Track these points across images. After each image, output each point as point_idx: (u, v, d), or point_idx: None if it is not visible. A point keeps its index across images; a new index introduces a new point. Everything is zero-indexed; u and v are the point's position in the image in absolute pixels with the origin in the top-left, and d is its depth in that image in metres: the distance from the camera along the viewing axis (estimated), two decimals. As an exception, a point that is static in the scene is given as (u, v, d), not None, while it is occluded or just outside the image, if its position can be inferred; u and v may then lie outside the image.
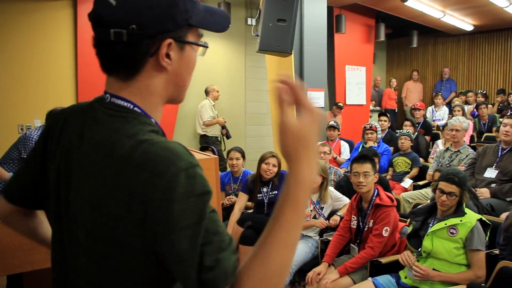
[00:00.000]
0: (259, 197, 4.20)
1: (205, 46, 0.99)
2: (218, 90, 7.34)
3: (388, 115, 7.40)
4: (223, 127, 7.15)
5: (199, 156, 2.01)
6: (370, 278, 2.95)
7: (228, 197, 4.57)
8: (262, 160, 4.22)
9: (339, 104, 8.15)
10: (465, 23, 9.18)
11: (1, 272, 1.69)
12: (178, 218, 0.78)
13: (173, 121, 7.29)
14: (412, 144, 5.71)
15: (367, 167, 3.29)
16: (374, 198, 3.27)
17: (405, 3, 7.38)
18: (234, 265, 0.83)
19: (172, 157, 0.81)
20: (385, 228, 3.13)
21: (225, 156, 4.81)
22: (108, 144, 0.86)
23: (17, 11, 5.87)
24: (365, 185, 3.26)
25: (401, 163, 5.62)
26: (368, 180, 3.27)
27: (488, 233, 2.92)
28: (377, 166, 4.47)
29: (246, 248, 3.93)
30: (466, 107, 8.60)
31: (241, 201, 4.24)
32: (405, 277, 2.92)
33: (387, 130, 6.96)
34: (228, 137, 7.16)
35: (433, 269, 2.80)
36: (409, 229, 3.04)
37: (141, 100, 0.92)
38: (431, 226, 2.92)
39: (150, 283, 0.88)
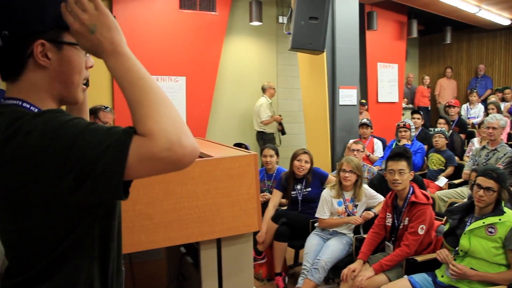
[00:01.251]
0: (293, 194, 4.22)
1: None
2: (274, 88, 7.54)
3: (421, 113, 7.30)
4: (280, 123, 7.36)
5: (237, 153, 2.06)
6: (406, 276, 2.94)
7: (262, 194, 4.61)
8: (294, 157, 4.25)
9: (362, 101, 8.08)
10: (502, 18, 8.92)
11: None
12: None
13: (206, 119, 7.39)
14: (447, 142, 5.62)
15: (402, 164, 3.27)
16: (409, 195, 3.26)
17: (439, -1, 7.26)
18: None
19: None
20: (420, 226, 3.11)
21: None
22: None
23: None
24: (400, 183, 3.25)
25: (435, 160, 5.54)
26: (403, 177, 3.25)
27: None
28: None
29: (281, 244, 3.97)
30: (502, 104, 8.39)
31: (275, 198, 4.28)
32: (442, 276, 2.89)
33: (420, 128, 6.87)
34: (283, 133, 7.37)
35: (471, 268, 2.77)
36: (446, 227, 3.01)
37: (29, 96, 1.03)
38: (469, 225, 2.89)
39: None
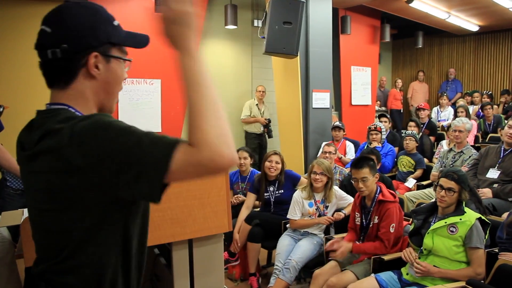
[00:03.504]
0: (266, 195, 4.31)
1: (128, 60, 1.25)
2: (263, 91, 7.74)
3: (388, 116, 7.50)
4: (265, 126, 7.49)
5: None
6: (373, 275, 3.05)
7: (235, 196, 4.69)
8: (265, 158, 4.35)
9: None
10: (471, 24, 9.22)
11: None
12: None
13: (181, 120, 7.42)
14: (417, 144, 5.80)
15: (364, 172, 3.39)
16: (377, 195, 3.39)
17: (410, 4, 7.45)
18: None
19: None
20: (391, 225, 3.24)
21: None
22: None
23: (22, 15, 5.99)
24: (364, 189, 3.38)
25: (405, 162, 5.70)
26: (367, 184, 3.38)
27: (488, 232, 3.01)
28: (377, 165, 4.57)
29: (254, 245, 4.05)
30: (471, 108, 8.65)
31: (249, 201, 4.37)
32: (407, 274, 3.02)
33: (388, 130, 7.04)
34: (269, 136, 7.46)
35: (434, 265, 2.90)
36: (411, 227, 3.14)
37: (76, 103, 1.15)
38: (432, 225, 3.02)
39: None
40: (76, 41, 1.12)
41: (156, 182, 0.98)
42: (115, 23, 1.22)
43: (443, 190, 2.98)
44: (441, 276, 2.86)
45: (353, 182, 3.50)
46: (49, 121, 1.08)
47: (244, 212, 4.27)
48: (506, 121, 7.13)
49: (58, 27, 1.12)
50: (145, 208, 1.22)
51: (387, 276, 3.02)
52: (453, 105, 9.50)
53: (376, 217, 3.35)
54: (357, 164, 3.47)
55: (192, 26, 1.05)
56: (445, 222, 2.95)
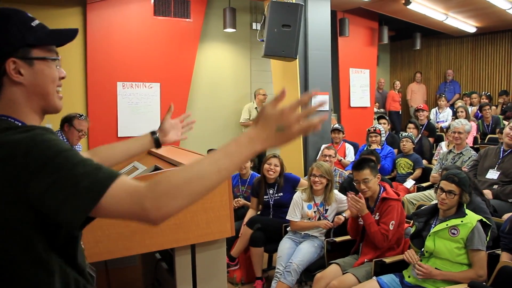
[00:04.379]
0: (265, 198, 4.32)
1: (53, 59, 1.16)
2: (264, 94, 7.70)
3: (387, 118, 7.50)
4: None
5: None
6: (374, 277, 3.05)
7: (236, 200, 4.69)
8: (264, 161, 4.36)
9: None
10: (468, 25, 9.24)
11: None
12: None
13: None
14: (414, 146, 5.81)
15: (365, 173, 3.40)
16: (380, 195, 3.40)
17: (408, 6, 7.47)
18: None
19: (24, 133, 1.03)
20: (391, 222, 3.25)
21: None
22: None
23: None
24: (367, 190, 3.39)
25: (403, 164, 5.72)
26: (369, 185, 3.39)
27: (489, 234, 3.01)
28: (378, 166, 4.58)
29: (257, 250, 4.06)
30: (470, 109, 8.67)
31: (253, 205, 4.40)
32: (409, 276, 3.02)
33: (387, 132, 7.05)
34: None
35: (436, 268, 2.90)
36: (412, 229, 3.14)
37: (13, 112, 1.11)
38: (433, 227, 3.02)
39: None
40: None
41: (82, 208, 0.95)
42: (34, 23, 1.15)
43: (444, 193, 2.98)
44: (442, 278, 2.87)
45: (355, 184, 3.50)
46: None
47: (249, 217, 4.30)
48: (504, 122, 7.17)
49: None
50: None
51: (389, 278, 3.02)
52: (451, 106, 9.52)
53: (377, 213, 3.36)
54: (358, 166, 3.47)
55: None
56: (447, 225, 2.95)
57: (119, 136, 6.55)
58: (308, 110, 1.06)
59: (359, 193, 3.43)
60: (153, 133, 1.76)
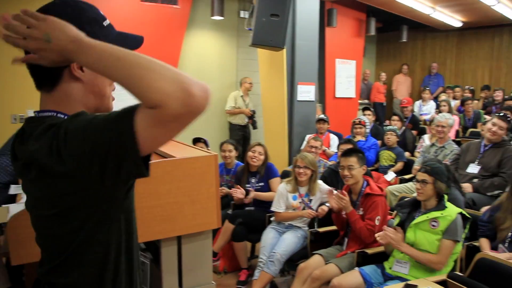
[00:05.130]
0: (247, 187, 4.34)
1: None
2: (250, 82, 7.74)
3: (372, 109, 7.56)
4: (250, 117, 7.56)
5: (198, 153, 2.14)
6: (357, 268, 3.11)
7: (220, 188, 4.70)
8: (249, 149, 4.39)
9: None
10: (454, 20, 9.33)
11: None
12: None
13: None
14: (398, 139, 5.89)
15: (351, 160, 3.46)
16: (363, 189, 3.45)
17: (396, -1, 7.51)
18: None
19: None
20: (377, 218, 3.32)
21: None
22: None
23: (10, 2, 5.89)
24: (350, 177, 3.45)
25: (386, 156, 5.79)
26: (353, 172, 3.44)
27: (468, 226, 3.09)
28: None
29: (240, 244, 4.10)
30: (453, 102, 8.78)
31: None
32: (390, 268, 3.08)
33: (372, 124, 7.12)
34: (254, 127, 7.48)
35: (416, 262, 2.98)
36: (396, 220, 3.20)
37: (65, 107, 1.11)
38: (415, 219, 3.09)
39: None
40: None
41: (134, 160, 0.93)
42: (105, 23, 1.16)
43: (418, 183, 3.08)
44: (406, 253, 2.97)
45: (340, 170, 3.56)
46: (36, 130, 1.05)
47: None
48: (485, 117, 7.29)
49: None
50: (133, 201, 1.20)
51: (371, 269, 3.08)
52: (435, 99, 9.63)
53: (362, 208, 3.42)
54: (346, 152, 3.57)
55: (56, 29, 0.97)
56: (427, 217, 3.02)
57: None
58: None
59: (342, 189, 3.49)
60: None
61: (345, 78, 9.02)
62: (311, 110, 6.85)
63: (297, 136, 6.62)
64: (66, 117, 1.09)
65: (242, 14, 8.32)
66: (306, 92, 6.69)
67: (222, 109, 8.02)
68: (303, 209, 3.96)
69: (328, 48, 8.54)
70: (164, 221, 1.97)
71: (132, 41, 1.20)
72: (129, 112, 0.92)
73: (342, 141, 5.24)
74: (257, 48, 6.37)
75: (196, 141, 5.18)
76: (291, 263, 3.75)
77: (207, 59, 8.10)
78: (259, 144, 4.41)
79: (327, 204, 3.97)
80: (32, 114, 1.16)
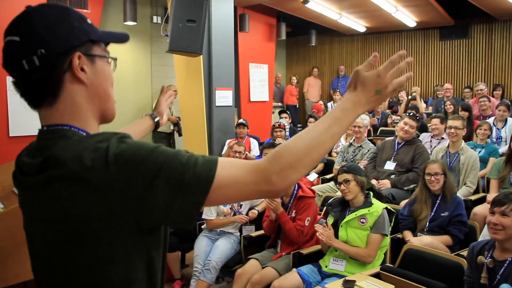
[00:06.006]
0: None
1: (113, 58, 1.11)
2: (175, 90, 7.37)
3: (288, 112, 7.76)
4: (175, 124, 7.35)
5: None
6: (294, 269, 3.17)
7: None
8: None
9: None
10: (359, 25, 9.89)
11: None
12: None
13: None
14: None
15: None
16: (295, 191, 3.52)
17: (306, 5, 7.77)
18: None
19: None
20: (307, 219, 3.40)
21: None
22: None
23: None
24: None
25: (306, 158, 5.96)
26: None
27: (393, 220, 3.29)
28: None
29: (173, 255, 4.14)
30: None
31: None
32: (326, 266, 3.18)
33: (289, 126, 7.31)
34: (179, 134, 7.33)
35: (350, 257, 3.11)
36: (330, 220, 3.32)
37: (73, 118, 1.00)
38: (345, 217, 3.22)
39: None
40: (54, 43, 0.97)
41: (195, 203, 0.92)
42: (89, 21, 1.07)
43: (341, 184, 3.24)
44: (339, 248, 3.11)
45: None
46: (55, 144, 0.95)
47: None
48: (393, 116, 7.78)
49: (29, 32, 0.97)
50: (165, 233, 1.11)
51: (308, 269, 3.16)
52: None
53: (294, 210, 3.49)
54: None
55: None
56: (356, 214, 3.17)
57: (10, 136, 6.02)
58: (399, 68, 1.09)
59: None
60: (152, 116, 1.75)
61: (258, 82, 9.16)
62: (230, 115, 6.88)
63: (217, 141, 6.61)
64: (81, 131, 1.00)
65: (155, 19, 8.17)
66: (224, 97, 6.70)
67: (138, 116, 7.80)
68: (234, 214, 3.96)
69: (241, 52, 8.62)
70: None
71: (120, 35, 1.13)
72: (215, 159, 0.94)
73: (265, 145, 5.30)
74: (172, 54, 6.28)
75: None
76: (226, 269, 3.74)
77: (121, 66, 7.70)
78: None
79: (257, 208, 4.01)
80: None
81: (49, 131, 1.00)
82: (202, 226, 4.06)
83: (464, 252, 3.08)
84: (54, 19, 0.98)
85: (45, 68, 0.96)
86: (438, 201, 3.54)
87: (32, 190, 0.98)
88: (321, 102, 9.49)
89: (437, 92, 9.12)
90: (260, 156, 5.87)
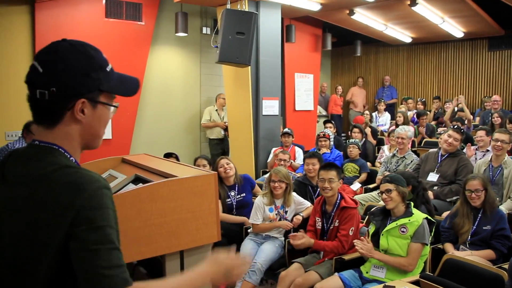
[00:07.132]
0: (228, 201, 4.49)
1: (115, 106, 1.28)
2: (224, 98, 7.86)
3: (333, 122, 7.87)
4: (225, 129, 7.79)
5: (199, 172, 2.29)
6: (336, 273, 3.32)
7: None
8: (216, 167, 4.54)
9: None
10: (404, 36, 9.88)
11: None
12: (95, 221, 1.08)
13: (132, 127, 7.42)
14: (360, 152, 6.19)
15: (332, 174, 3.69)
16: (338, 201, 3.67)
17: (352, 17, 7.88)
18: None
19: (92, 179, 1.12)
20: (351, 229, 3.54)
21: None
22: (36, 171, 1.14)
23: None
24: (330, 190, 3.67)
25: (350, 168, 6.08)
26: (333, 185, 3.67)
27: (434, 230, 3.38)
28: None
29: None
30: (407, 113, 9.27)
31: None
32: (366, 272, 3.31)
33: (333, 135, 7.42)
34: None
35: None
36: (372, 229, 3.44)
37: (62, 143, 1.18)
38: (387, 226, 3.34)
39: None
40: (66, 87, 1.14)
41: None
42: (108, 68, 1.23)
43: (383, 194, 3.35)
44: (379, 259, 3.22)
45: (319, 182, 3.77)
46: (42, 158, 1.15)
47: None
48: (438, 130, 7.77)
49: (50, 69, 1.14)
50: None
51: (349, 274, 3.30)
52: (388, 107, 10.14)
53: (337, 221, 3.64)
54: (326, 166, 3.82)
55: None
56: (396, 224, 3.28)
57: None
58: (243, 266, 1.41)
59: (315, 201, 3.72)
60: None
61: (304, 91, 9.29)
62: (276, 124, 7.07)
63: (263, 149, 6.81)
64: (66, 153, 1.19)
65: (204, 30, 8.49)
66: (271, 106, 6.90)
67: (187, 123, 8.18)
68: (279, 220, 4.13)
69: (287, 62, 8.80)
70: (169, 236, 2.10)
71: (131, 85, 1.30)
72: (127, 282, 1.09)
73: (308, 154, 5.42)
74: (221, 64, 6.54)
75: (168, 156, 5.28)
76: (270, 272, 3.91)
77: (172, 75, 8.22)
78: (222, 158, 4.62)
79: (302, 214, 4.17)
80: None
81: (40, 146, 1.18)
82: (249, 230, 4.25)
83: (506, 265, 3.12)
84: (74, 65, 1.15)
85: (52, 103, 1.15)
86: (479, 215, 3.59)
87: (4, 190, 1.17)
88: (367, 112, 9.53)
89: (485, 104, 8.99)
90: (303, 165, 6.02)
